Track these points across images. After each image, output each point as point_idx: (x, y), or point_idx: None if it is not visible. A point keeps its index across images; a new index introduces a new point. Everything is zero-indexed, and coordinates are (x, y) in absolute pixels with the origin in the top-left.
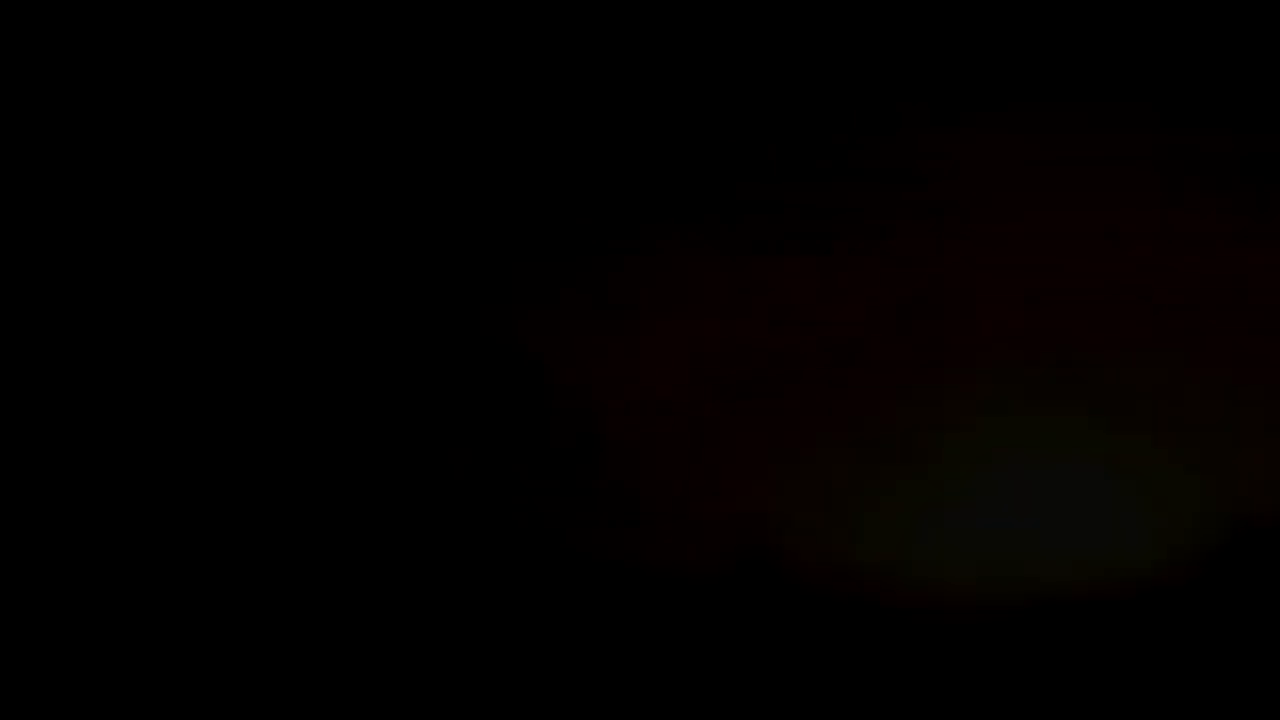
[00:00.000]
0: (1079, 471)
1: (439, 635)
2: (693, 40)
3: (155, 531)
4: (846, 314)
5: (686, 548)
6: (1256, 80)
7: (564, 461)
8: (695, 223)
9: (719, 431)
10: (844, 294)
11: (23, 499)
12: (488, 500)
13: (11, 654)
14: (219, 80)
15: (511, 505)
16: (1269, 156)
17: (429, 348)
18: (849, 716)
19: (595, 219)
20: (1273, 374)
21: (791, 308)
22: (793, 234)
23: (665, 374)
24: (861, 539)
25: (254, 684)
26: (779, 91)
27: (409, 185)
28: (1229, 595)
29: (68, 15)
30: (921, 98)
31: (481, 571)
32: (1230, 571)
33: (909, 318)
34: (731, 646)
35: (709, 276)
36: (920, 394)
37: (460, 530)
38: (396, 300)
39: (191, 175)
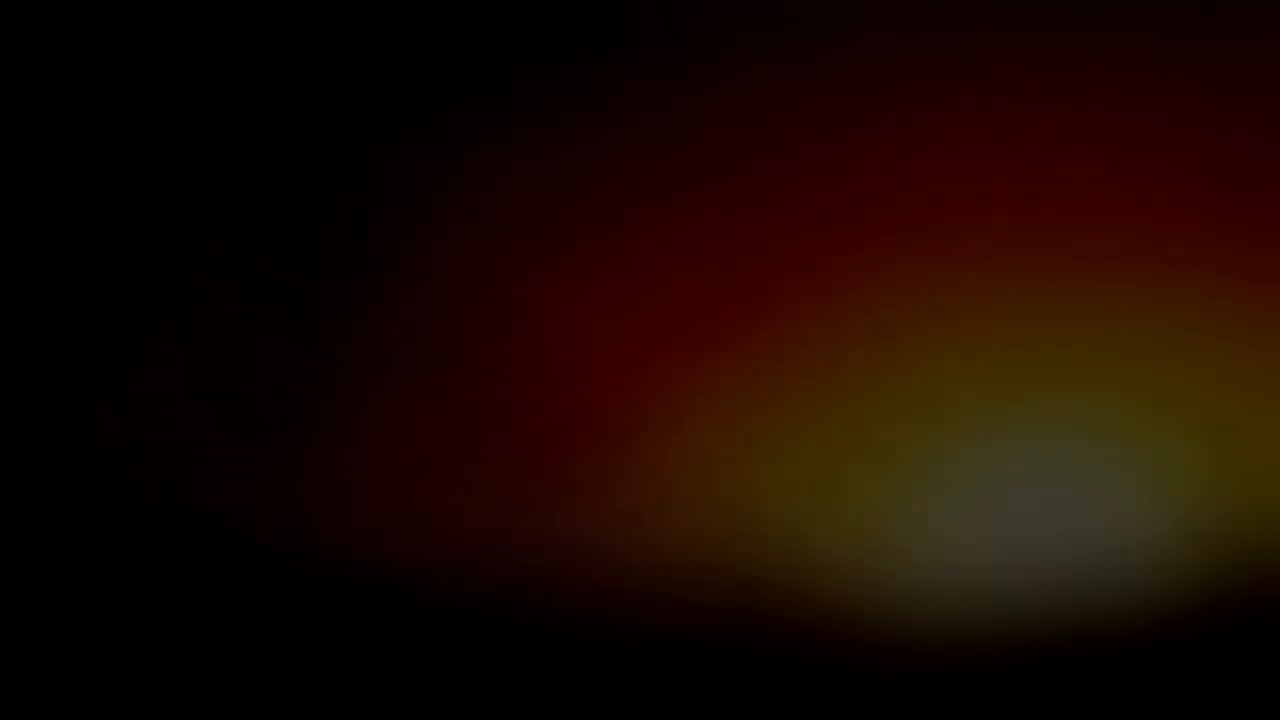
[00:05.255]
0: (1073, 467)
1: (436, 627)
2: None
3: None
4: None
5: (668, 531)
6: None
7: (543, 443)
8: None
9: (698, 413)
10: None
11: None
12: (479, 487)
13: None
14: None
15: (494, 486)
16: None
17: (427, 341)
18: (834, 710)
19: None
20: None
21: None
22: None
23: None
24: (844, 527)
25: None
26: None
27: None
28: (1230, 594)
29: None
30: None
31: (474, 559)
32: (1232, 571)
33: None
34: (713, 636)
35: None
36: (909, 382)
37: (457, 522)
38: (391, 298)
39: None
